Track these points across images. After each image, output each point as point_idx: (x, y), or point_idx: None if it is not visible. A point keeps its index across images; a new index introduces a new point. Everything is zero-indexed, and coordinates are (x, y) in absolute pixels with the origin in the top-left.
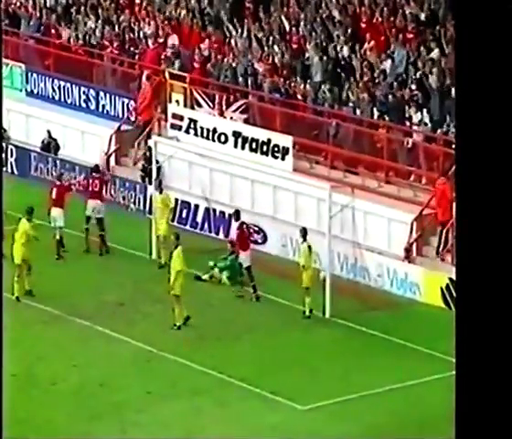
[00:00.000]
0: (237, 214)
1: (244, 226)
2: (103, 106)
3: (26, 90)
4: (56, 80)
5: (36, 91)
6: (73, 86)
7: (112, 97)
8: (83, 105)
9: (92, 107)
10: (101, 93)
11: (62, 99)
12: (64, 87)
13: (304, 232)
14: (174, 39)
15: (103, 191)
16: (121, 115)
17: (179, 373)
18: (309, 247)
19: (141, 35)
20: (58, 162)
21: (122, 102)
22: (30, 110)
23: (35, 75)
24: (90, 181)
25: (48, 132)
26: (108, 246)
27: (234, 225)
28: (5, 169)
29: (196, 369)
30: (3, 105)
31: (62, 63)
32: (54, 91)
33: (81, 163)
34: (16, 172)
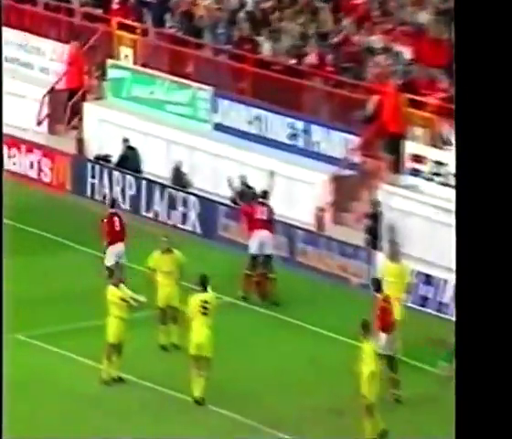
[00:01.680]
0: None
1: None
2: (316, 143)
3: (213, 121)
4: (252, 109)
5: (226, 124)
6: (275, 116)
7: (328, 131)
8: (289, 142)
9: (301, 144)
10: (313, 126)
11: (260, 133)
12: (263, 117)
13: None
14: (410, 53)
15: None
16: (339, 156)
17: None
18: None
19: (366, 47)
20: None
21: (341, 138)
22: (219, 148)
23: (225, 102)
24: (256, 208)
25: (242, 177)
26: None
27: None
28: (185, 226)
29: None
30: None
31: (261, 86)
32: (250, 123)
33: (285, 220)
34: (199, 231)
